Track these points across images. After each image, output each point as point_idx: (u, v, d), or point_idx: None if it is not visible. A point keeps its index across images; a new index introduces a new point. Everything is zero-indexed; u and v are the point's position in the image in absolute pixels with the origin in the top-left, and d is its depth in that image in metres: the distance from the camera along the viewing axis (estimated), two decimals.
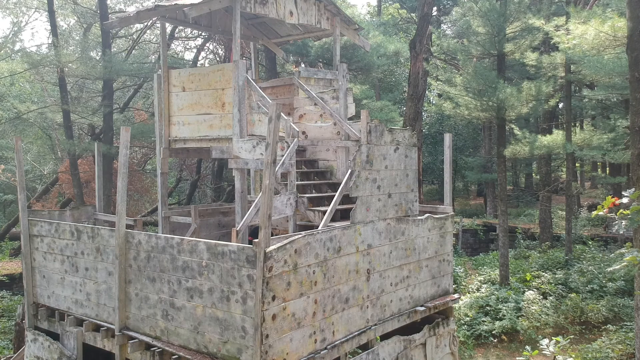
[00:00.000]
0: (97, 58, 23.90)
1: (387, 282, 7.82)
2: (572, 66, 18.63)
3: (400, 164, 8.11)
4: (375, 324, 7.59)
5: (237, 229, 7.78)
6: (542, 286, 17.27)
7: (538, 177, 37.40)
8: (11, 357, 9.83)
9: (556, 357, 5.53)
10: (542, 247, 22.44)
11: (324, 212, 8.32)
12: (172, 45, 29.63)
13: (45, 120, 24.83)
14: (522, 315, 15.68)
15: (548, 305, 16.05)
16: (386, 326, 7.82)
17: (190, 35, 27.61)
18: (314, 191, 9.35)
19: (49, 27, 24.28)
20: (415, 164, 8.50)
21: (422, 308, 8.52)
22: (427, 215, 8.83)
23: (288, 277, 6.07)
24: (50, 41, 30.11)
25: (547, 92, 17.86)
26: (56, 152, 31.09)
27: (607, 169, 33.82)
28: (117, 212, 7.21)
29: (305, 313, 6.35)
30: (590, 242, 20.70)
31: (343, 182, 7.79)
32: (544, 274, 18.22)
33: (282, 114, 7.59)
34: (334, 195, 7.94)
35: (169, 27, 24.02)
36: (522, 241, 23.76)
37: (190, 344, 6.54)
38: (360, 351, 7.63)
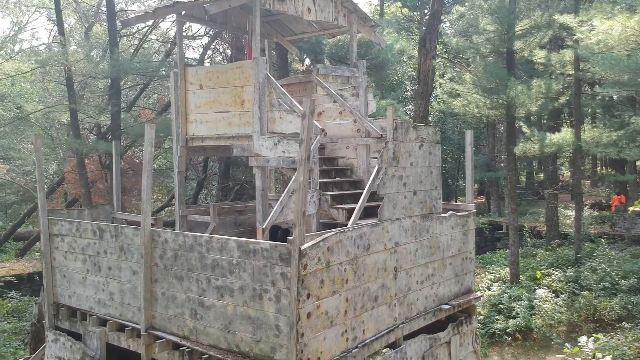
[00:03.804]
0: (98, 58, 23.79)
1: (413, 280, 7.75)
2: (581, 64, 18.58)
3: (424, 161, 8.03)
4: (403, 322, 7.51)
5: (263, 226, 7.72)
6: (552, 284, 17.22)
7: (541, 175, 37.37)
8: (29, 357, 9.74)
9: (596, 354, 5.45)
10: (550, 245, 22.40)
11: (347, 210, 8.26)
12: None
13: (47, 120, 24.67)
14: (535, 313, 15.61)
15: (561, 303, 16.00)
16: (413, 324, 7.74)
17: (197, 34, 27.50)
18: (335, 189, 9.27)
19: (49, 27, 24.19)
20: (439, 161, 8.42)
21: (447, 306, 8.44)
22: (450, 212, 8.75)
23: (321, 275, 5.98)
24: (50, 41, 30.00)
25: (556, 89, 17.82)
26: (58, 152, 30.88)
27: (608, 167, 33.83)
28: (142, 210, 7.12)
29: (338, 311, 6.27)
30: (602, 240, 20.67)
31: (370, 179, 7.71)
32: (554, 272, 18.17)
33: None
34: (356, 193, 7.86)
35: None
36: (528, 239, 23.72)
37: (220, 343, 6.45)
38: (386, 350, 7.54)
